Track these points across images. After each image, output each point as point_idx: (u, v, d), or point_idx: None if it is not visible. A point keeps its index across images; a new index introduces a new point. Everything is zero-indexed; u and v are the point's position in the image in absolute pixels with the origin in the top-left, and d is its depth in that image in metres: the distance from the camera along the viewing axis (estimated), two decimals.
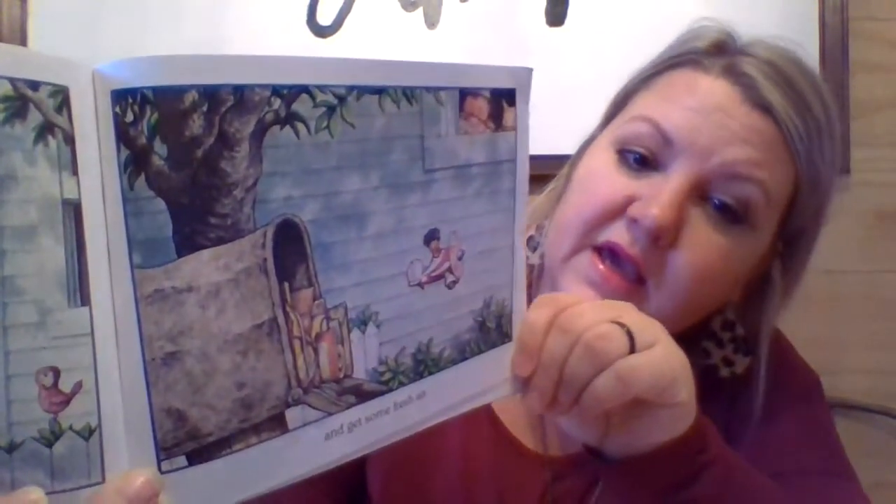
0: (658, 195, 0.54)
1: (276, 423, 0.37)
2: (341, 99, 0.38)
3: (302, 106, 0.37)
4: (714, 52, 0.58)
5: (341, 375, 0.40)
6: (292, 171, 0.37)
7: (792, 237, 0.60)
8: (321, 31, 1.14)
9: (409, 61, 0.41)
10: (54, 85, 0.33)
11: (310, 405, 0.39)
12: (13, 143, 0.32)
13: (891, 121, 1.16)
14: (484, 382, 0.47)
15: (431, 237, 0.43)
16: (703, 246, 0.54)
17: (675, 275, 0.54)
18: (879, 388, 1.14)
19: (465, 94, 0.44)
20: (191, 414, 0.35)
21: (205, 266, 0.35)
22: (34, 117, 0.32)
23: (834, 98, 0.58)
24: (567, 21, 1.14)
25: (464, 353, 0.46)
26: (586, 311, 0.46)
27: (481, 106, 0.45)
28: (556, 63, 1.14)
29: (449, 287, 0.45)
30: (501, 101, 0.46)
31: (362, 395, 0.41)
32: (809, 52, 1.12)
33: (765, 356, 0.61)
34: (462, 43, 1.13)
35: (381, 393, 0.42)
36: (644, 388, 0.44)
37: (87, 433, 0.33)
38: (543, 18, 1.13)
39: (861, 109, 1.14)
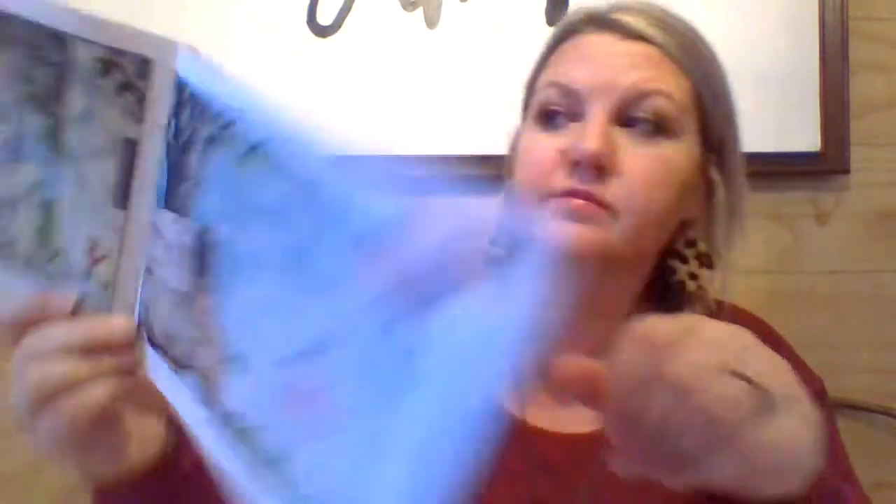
0: (584, 133, 0.61)
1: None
2: None
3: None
4: (589, 21, 0.67)
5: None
6: None
7: (719, 147, 0.67)
8: (321, 31, 1.14)
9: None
10: (138, 55, 0.45)
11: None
12: (98, 90, 0.46)
13: (891, 121, 1.16)
14: None
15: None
16: (642, 159, 0.61)
17: (628, 193, 0.60)
18: (880, 387, 1.14)
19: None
20: (149, 315, 0.48)
21: (171, 224, 0.45)
22: (117, 76, 0.45)
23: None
24: None
25: None
26: (694, 350, 0.38)
27: None
28: None
29: None
30: None
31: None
32: (809, 52, 1.13)
33: (725, 270, 0.68)
34: (462, 43, 1.13)
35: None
36: (767, 471, 0.37)
37: (104, 287, 0.48)
38: (543, 18, 1.13)
39: (861, 109, 1.14)
